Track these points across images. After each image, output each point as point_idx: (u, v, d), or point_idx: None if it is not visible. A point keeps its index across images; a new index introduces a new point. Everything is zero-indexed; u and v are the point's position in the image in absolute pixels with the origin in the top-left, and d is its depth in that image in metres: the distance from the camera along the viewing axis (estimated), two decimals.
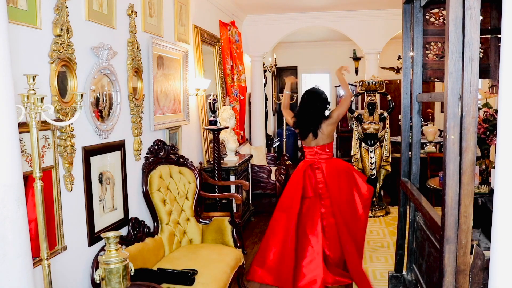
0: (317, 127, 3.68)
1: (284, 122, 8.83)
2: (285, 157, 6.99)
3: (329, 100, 3.83)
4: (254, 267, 3.64)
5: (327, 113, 3.80)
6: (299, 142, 10.63)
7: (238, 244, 3.51)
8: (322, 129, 3.69)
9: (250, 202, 5.84)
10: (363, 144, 5.87)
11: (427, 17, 3.17)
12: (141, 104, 3.40)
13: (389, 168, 5.87)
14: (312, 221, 3.62)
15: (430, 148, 6.36)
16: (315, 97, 3.74)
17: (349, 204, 3.65)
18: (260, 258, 3.64)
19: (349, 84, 11.32)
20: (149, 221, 3.33)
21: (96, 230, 2.78)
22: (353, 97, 6.23)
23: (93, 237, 2.75)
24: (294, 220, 3.57)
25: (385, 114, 5.86)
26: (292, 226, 3.55)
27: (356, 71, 10.06)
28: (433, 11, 3.17)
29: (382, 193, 6.28)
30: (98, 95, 2.83)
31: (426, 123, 6.44)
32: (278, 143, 9.42)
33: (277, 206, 3.75)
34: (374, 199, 5.95)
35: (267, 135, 8.45)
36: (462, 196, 2.01)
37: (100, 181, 2.86)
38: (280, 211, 3.69)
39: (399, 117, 4.90)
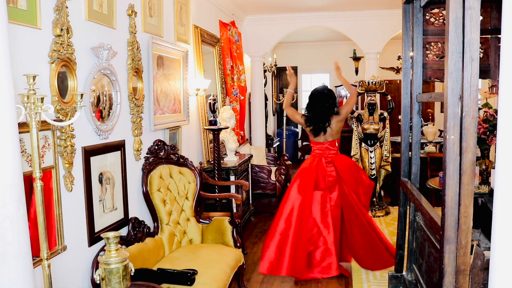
0: (327, 124, 3.94)
1: (284, 122, 8.82)
2: (285, 157, 6.99)
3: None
4: (264, 261, 3.79)
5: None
6: (299, 142, 10.62)
7: (238, 244, 3.51)
8: (332, 126, 3.98)
9: (250, 202, 5.84)
10: (363, 144, 5.87)
11: (427, 17, 3.17)
12: (141, 104, 3.40)
13: (389, 168, 5.87)
14: (323, 213, 3.85)
15: (430, 148, 6.35)
16: (325, 97, 3.97)
17: (356, 197, 3.93)
18: (268, 251, 3.79)
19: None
20: (149, 221, 3.33)
21: (96, 230, 2.78)
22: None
23: (93, 237, 2.75)
24: (305, 210, 3.81)
25: (385, 114, 5.86)
26: (304, 216, 3.80)
27: (356, 71, 10.06)
28: (433, 11, 3.16)
29: (382, 193, 6.28)
30: (98, 95, 2.83)
31: (426, 123, 6.43)
32: (278, 143, 9.41)
33: (284, 198, 3.96)
34: (374, 199, 5.95)
35: (267, 135, 8.44)
36: (462, 196, 2.01)
37: (100, 181, 2.86)
38: (287, 203, 3.90)
39: (399, 117, 4.89)
